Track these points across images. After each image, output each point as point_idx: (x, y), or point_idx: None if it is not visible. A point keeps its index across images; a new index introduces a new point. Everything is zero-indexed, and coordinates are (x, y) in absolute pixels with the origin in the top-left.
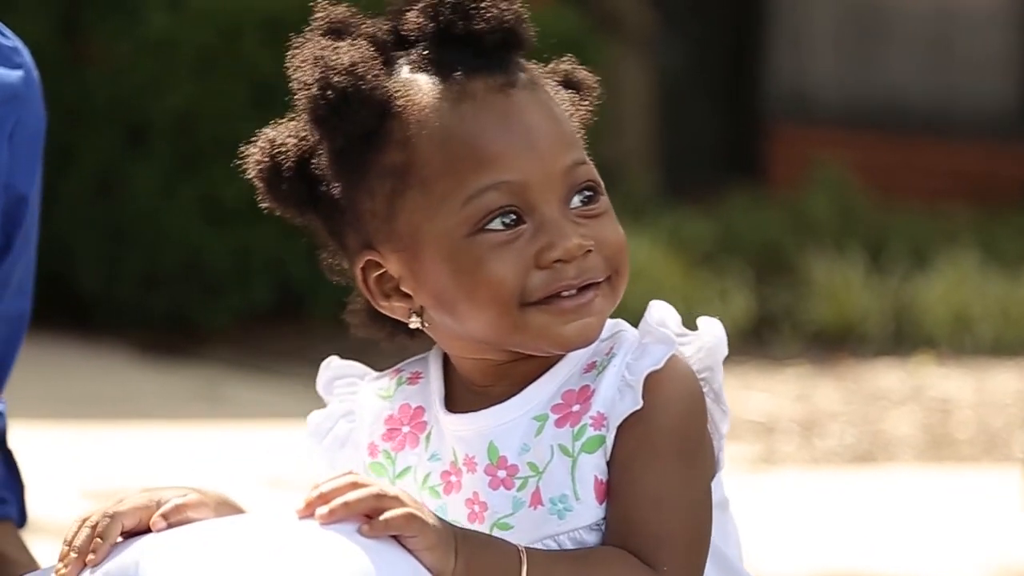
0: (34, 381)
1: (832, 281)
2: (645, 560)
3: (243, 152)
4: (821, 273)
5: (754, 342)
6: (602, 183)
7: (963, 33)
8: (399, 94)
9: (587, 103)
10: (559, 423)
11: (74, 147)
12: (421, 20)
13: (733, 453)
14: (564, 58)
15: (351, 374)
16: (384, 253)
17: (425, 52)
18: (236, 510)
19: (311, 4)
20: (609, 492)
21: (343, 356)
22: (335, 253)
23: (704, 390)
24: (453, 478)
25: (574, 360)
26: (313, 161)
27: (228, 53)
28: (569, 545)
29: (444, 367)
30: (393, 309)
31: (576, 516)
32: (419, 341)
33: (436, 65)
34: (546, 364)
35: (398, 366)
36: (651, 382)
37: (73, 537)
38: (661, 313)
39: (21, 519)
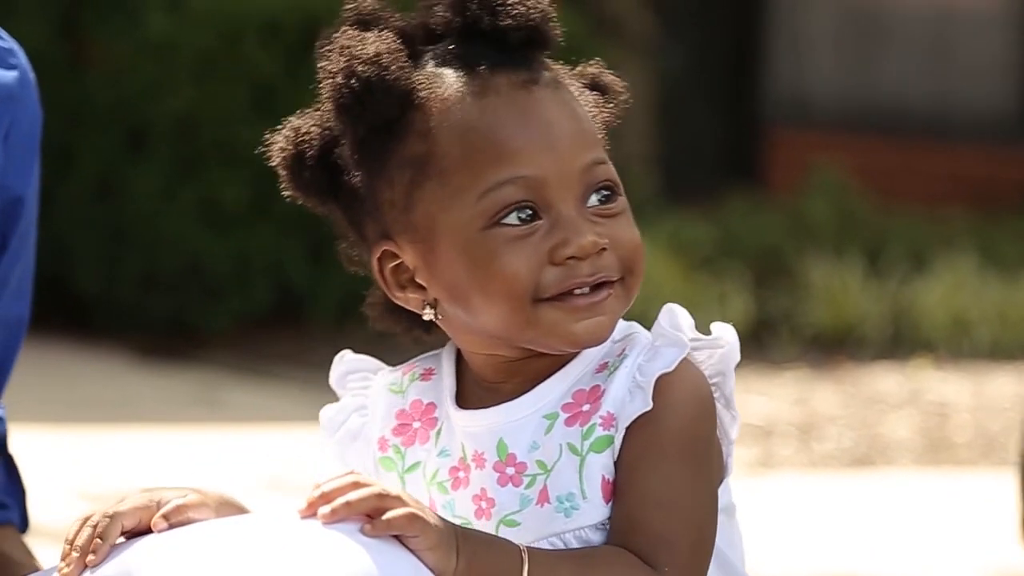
0: (33, 384)
1: (831, 285)
2: (646, 560)
3: (269, 140)
4: (820, 277)
5: (752, 345)
6: (621, 184)
7: (962, 37)
8: (422, 86)
9: (612, 105)
10: (569, 422)
11: (74, 149)
12: (448, 15)
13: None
14: (592, 61)
15: (364, 369)
16: (400, 244)
17: (451, 47)
18: (238, 510)
19: (311, 8)
20: (615, 492)
21: None
22: (354, 244)
23: (715, 395)
24: (461, 474)
25: (586, 360)
26: (336, 151)
27: (228, 56)
28: (574, 543)
29: (457, 364)
30: (407, 300)
31: (582, 515)
32: (433, 337)
33: (461, 59)
34: (558, 363)
35: (411, 362)
36: (661, 384)
37: (75, 536)
38: (675, 316)
39: (23, 524)
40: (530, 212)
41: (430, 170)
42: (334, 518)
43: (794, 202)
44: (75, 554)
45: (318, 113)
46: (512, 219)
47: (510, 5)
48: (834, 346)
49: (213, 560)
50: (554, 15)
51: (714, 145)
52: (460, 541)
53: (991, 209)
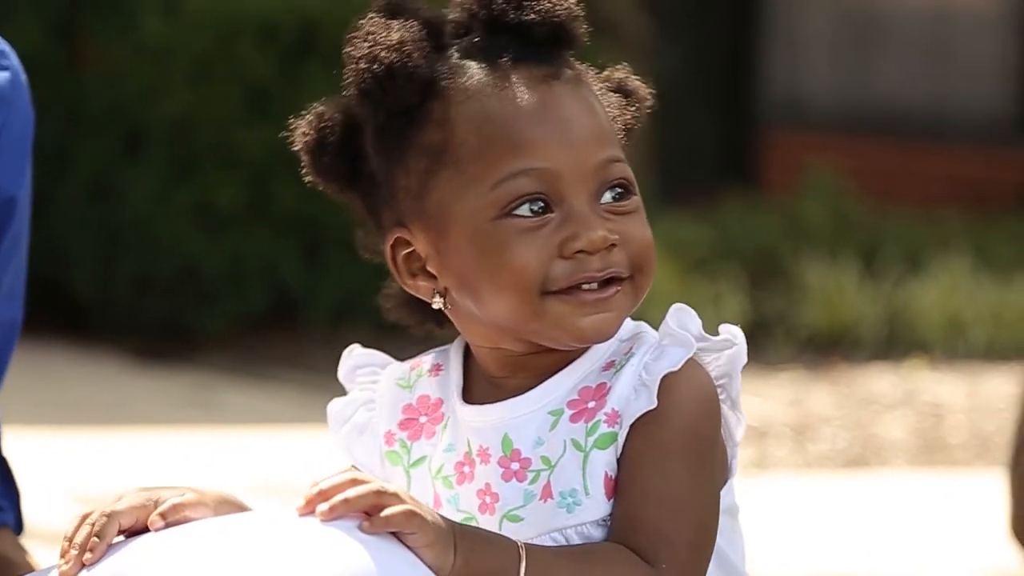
0: (28, 386)
1: (826, 286)
2: (645, 557)
3: (291, 124)
4: (815, 278)
5: (748, 346)
6: (636, 184)
7: (959, 39)
8: (444, 75)
9: (634, 109)
10: (574, 418)
11: (70, 152)
12: (475, 8)
13: None
14: (618, 66)
15: (373, 363)
16: (414, 232)
17: (476, 40)
18: (238, 508)
19: (306, 11)
20: (617, 489)
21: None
22: (371, 232)
23: (721, 396)
24: (466, 469)
25: (593, 358)
26: (357, 137)
27: (224, 59)
28: (576, 539)
29: (465, 360)
30: (418, 288)
31: (584, 511)
32: (445, 332)
33: (484, 52)
34: (564, 359)
35: (420, 357)
36: (667, 383)
37: (74, 533)
38: (683, 316)
39: (18, 526)
40: (542, 205)
41: (446, 158)
42: (332, 515)
43: (790, 203)
44: (73, 552)
45: (342, 100)
46: (524, 211)
47: (536, 1)
48: (829, 347)
49: (209, 559)
50: (580, 15)
51: (710, 146)
52: (457, 538)
53: (986, 210)
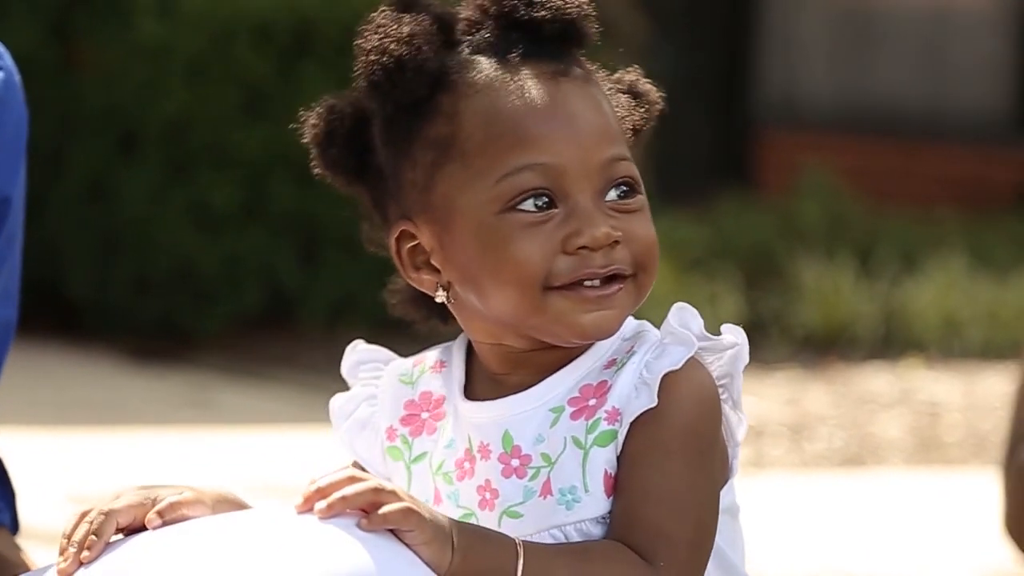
0: (24, 386)
1: (822, 285)
2: (644, 556)
3: (303, 116)
4: (811, 277)
5: None
6: (641, 183)
7: (954, 38)
8: (453, 69)
9: (643, 110)
10: (574, 416)
11: (65, 152)
12: (486, 4)
13: None
14: (630, 68)
15: (376, 359)
16: (419, 225)
17: (487, 35)
18: (237, 506)
19: (302, 11)
20: (616, 486)
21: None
22: (377, 226)
23: (723, 396)
24: (467, 465)
25: (595, 356)
26: (366, 130)
27: (220, 59)
28: (575, 536)
29: (468, 356)
30: (422, 282)
31: (584, 508)
32: (450, 328)
33: (494, 47)
34: (566, 357)
35: (422, 353)
36: (667, 382)
37: (72, 531)
38: (684, 315)
39: (14, 526)
40: (547, 200)
41: (453, 152)
42: (330, 513)
43: (786, 203)
44: (72, 550)
45: (352, 93)
46: (528, 205)
47: None
48: (825, 346)
49: (206, 557)
50: (592, 14)
51: (706, 146)
52: (455, 535)
53: (982, 210)
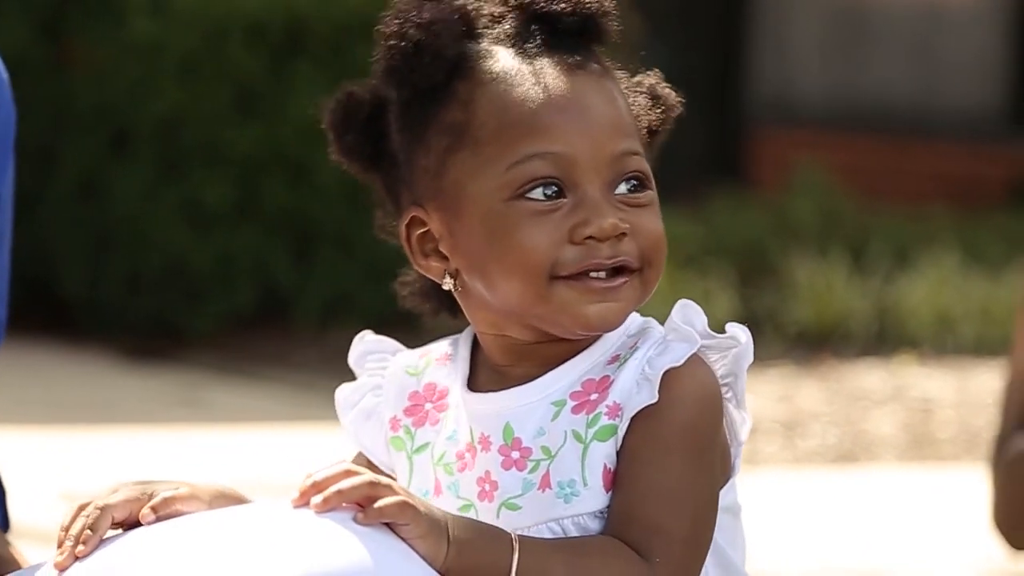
0: (15, 385)
1: (815, 282)
2: (640, 551)
3: (323, 103)
4: (804, 274)
5: None
6: (653, 179)
7: (946, 36)
8: (472, 57)
9: (660, 111)
10: (575, 410)
11: (57, 150)
12: None
13: None
14: (650, 72)
15: (382, 350)
16: (429, 211)
17: (507, 28)
18: (236, 501)
19: (295, 9)
20: (615, 482)
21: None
22: (390, 214)
23: (727, 395)
24: (468, 456)
25: (599, 351)
26: (383, 117)
27: (212, 57)
28: (573, 530)
29: (473, 349)
30: (430, 269)
31: (582, 502)
32: (459, 322)
33: (513, 38)
34: (570, 351)
35: (429, 345)
36: (668, 378)
37: (70, 524)
38: (688, 312)
39: (4, 524)
40: (556, 189)
41: (466, 138)
42: (326, 507)
43: (778, 200)
44: (68, 543)
45: (371, 81)
46: (537, 194)
47: None
48: (818, 343)
49: (200, 551)
50: (612, 11)
51: (699, 144)
52: (451, 529)
53: (974, 207)
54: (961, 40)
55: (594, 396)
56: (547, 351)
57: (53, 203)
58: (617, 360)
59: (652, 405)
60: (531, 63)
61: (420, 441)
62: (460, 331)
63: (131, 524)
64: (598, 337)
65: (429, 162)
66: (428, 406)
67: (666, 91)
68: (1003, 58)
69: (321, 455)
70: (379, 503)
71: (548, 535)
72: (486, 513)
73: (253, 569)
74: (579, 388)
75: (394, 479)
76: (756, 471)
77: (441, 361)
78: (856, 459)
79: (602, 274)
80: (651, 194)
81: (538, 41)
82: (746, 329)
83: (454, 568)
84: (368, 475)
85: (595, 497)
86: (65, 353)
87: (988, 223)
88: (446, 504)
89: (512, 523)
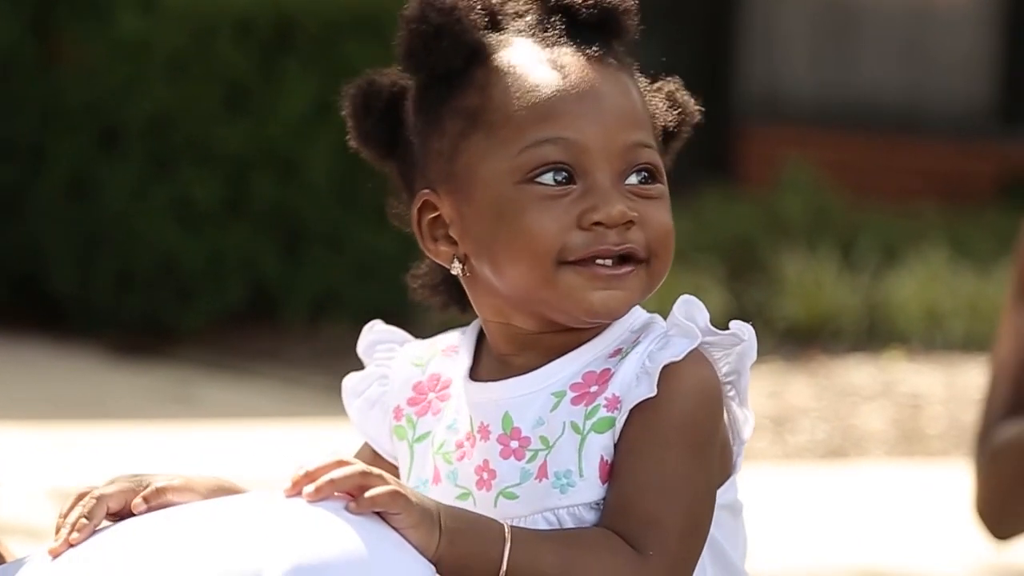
0: (7, 382)
1: (804, 278)
2: (634, 544)
3: (343, 90)
4: (793, 270)
5: None
6: (664, 173)
7: (935, 32)
8: (491, 46)
9: (678, 113)
10: (575, 401)
11: (47, 148)
12: None
13: None
14: (672, 79)
15: (391, 340)
16: (441, 195)
17: (528, 19)
18: (233, 494)
19: (284, 6)
20: (611, 474)
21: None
22: (404, 202)
23: (730, 394)
24: (467, 444)
25: (602, 344)
26: (401, 105)
27: (201, 55)
28: (568, 520)
29: (479, 341)
30: (438, 253)
31: (577, 492)
32: (468, 317)
33: (532, 28)
34: (573, 342)
35: (437, 337)
36: (668, 372)
37: (67, 512)
38: (690, 308)
39: None
40: (566, 175)
41: (480, 122)
42: (319, 496)
43: (768, 196)
44: (64, 531)
45: (393, 69)
46: (547, 179)
47: None
48: (808, 339)
49: (190, 541)
50: (632, 9)
51: (688, 140)
52: (443, 519)
53: (963, 203)
54: (950, 37)
55: (594, 388)
56: (550, 341)
57: (43, 201)
58: (619, 354)
59: (651, 398)
60: (549, 51)
61: (421, 430)
62: (451, 327)
63: (126, 514)
64: (601, 330)
65: (443, 145)
66: (431, 396)
67: (685, 98)
68: (992, 55)
69: (311, 450)
70: (370, 492)
71: (544, 525)
72: (483, 502)
73: (245, 557)
74: (580, 380)
75: (396, 469)
76: (745, 467)
77: (447, 352)
78: (845, 455)
79: (609, 261)
80: (661, 187)
81: (557, 31)
82: (750, 327)
83: (446, 557)
84: (360, 465)
85: (591, 488)
86: (56, 350)
87: (977, 220)
88: (444, 492)
89: (509, 512)
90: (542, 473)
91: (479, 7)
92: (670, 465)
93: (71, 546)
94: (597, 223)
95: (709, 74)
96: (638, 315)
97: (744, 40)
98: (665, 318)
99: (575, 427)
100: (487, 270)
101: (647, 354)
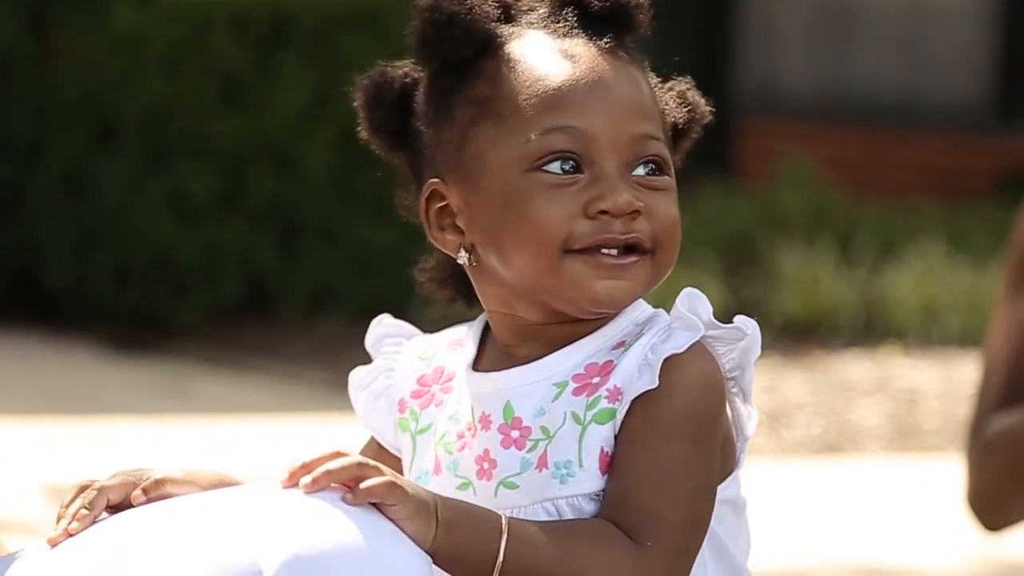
0: (1, 376)
1: (801, 273)
2: (633, 535)
3: (355, 79)
4: (791, 265)
5: None
6: (671, 166)
7: (932, 28)
8: (502, 37)
9: (687, 110)
10: (576, 392)
11: (43, 143)
12: None
13: None
14: (684, 79)
15: (399, 334)
16: (449, 184)
17: (541, 12)
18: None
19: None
20: (611, 465)
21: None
22: (413, 193)
23: (733, 389)
24: (468, 434)
25: (605, 336)
26: (412, 96)
27: (197, 49)
28: (567, 510)
29: (484, 334)
30: (445, 242)
31: (577, 483)
32: (474, 312)
33: (544, 19)
34: (576, 333)
35: (445, 330)
36: (670, 365)
37: (70, 502)
38: (693, 301)
39: None
40: (573, 164)
41: (489, 111)
42: (315, 487)
43: (765, 191)
44: (64, 521)
45: (405, 61)
46: (554, 167)
47: None
48: (805, 334)
49: (187, 531)
50: (645, 4)
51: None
52: (439, 510)
53: (960, 198)
54: (948, 32)
55: (596, 379)
56: (554, 332)
57: (39, 195)
58: (622, 346)
59: (652, 390)
60: (560, 42)
61: (424, 422)
62: (449, 321)
63: (126, 506)
64: (605, 322)
65: (452, 134)
66: (435, 388)
67: (696, 98)
68: (989, 50)
69: (308, 445)
70: (366, 483)
71: (543, 515)
72: (484, 491)
73: (242, 548)
74: (582, 371)
75: (400, 463)
76: None
77: (452, 346)
78: (842, 449)
79: (614, 251)
80: (668, 180)
81: (569, 24)
82: (754, 322)
83: (442, 548)
84: (356, 456)
85: (591, 479)
86: (52, 345)
87: (974, 215)
88: (445, 482)
89: (509, 502)
90: (542, 463)
91: (493, 0)
92: (670, 458)
93: (70, 535)
94: (603, 212)
95: (707, 69)
96: (643, 309)
97: (742, 35)
98: (668, 312)
99: (576, 417)
100: (493, 259)
101: (649, 346)
